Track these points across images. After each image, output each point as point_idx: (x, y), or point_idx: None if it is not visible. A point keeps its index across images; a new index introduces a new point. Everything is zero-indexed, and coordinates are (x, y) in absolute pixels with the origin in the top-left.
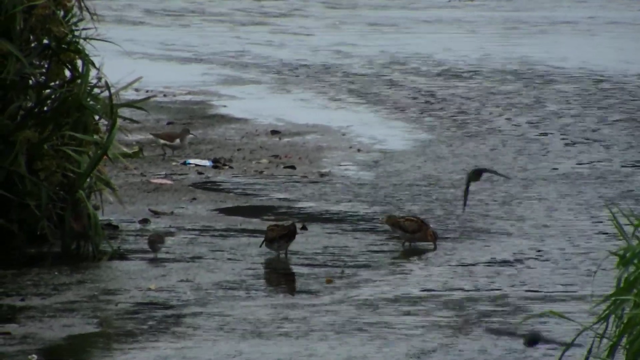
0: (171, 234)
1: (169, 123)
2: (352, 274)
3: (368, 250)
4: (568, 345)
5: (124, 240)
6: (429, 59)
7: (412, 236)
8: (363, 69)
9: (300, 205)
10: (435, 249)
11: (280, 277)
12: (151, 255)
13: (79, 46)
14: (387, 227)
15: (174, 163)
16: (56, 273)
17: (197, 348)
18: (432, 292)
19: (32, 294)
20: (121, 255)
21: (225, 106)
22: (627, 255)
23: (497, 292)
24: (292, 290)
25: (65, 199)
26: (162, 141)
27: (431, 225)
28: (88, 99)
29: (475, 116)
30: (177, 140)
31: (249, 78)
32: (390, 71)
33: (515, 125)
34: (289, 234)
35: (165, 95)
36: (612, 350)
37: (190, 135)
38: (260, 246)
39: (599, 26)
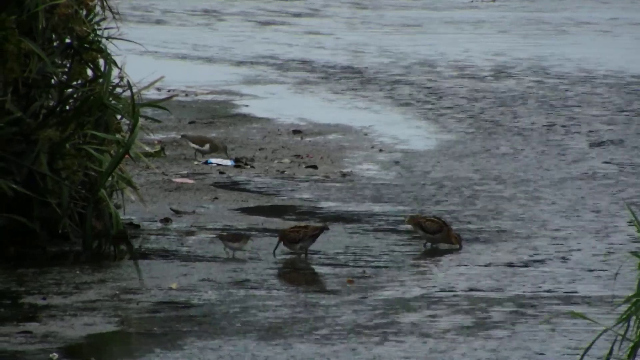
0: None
1: (190, 122)
2: (373, 274)
3: (390, 251)
4: (589, 346)
5: (145, 240)
6: (451, 59)
7: (433, 237)
8: (385, 69)
9: (322, 205)
10: (460, 248)
11: (301, 277)
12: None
13: (101, 45)
14: (408, 227)
15: (195, 162)
16: (77, 272)
17: (218, 347)
18: (453, 293)
19: (54, 292)
20: (142, 254)
21: (247, 106)
22: None
23: (518, 293)
24: (313, 290)
25: (87, 198)
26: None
27: (453, 227)
28: (110, 98)
29: (498, 116)
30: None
31: (270, 78)
32: (412, 71)
33: (537, 125)
34: (319, 234)
35: (187, 95)
36: (634, 351)
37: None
38: (274, 254)
39: (621, 27)
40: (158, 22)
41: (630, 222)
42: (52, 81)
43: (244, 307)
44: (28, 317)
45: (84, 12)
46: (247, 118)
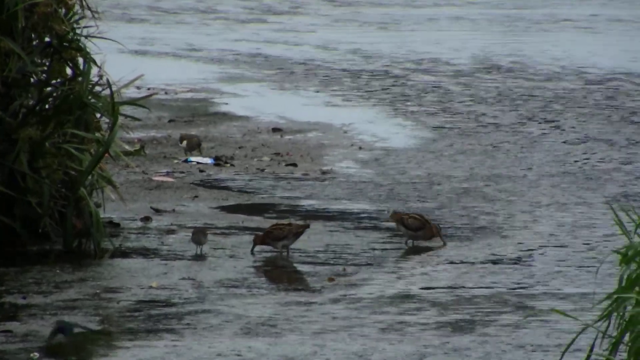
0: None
1: (170, 121)
2: (353, 271)
3: (370, 248)
4: (570, 342)
5: (125, 238)
6: (431, 57)
7: (415, 234)
8: (364, 66)
9: (302, 202)
10: (444, 244)
11: (282, 275)
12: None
13: (80, 44)
14: (389, 224)
15: (175, 161)
16: (58, 271)
17: (198, 346)
18: (434, 290)
19: (34, 291)
20: (123, 253)
21: (226, 104)
22: (630, 253)
23: (500, 290)
24: (293, 288)
25: (67, 197)
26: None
27: (433, 222)
28: (89, 97)
29: (477, 113)
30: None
31: (250, 76)
32: (391, 69)
33: (516, 123)
34: (303, 233)
35: (166, 93)
36: (615, 348)
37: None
38: (252, 253)
39: (601, 24)
40: (137, 20)
41: (611, 218)
42: (32, 80)
43: (224, 305)
44: (9, 316)
45: (64, 11)
46: (226, 116)
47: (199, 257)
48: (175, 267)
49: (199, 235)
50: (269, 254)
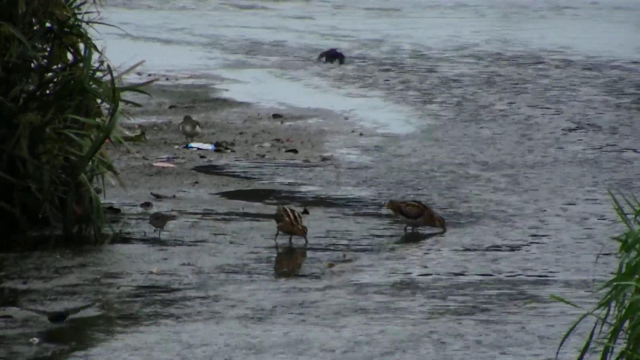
0: (173, 217)
1: (171, 107)
2: (353, 258)
3: (370, 235)
4: (570, 329)
5: (125, 224)
6: (432, 43)
7: (414, 221)
8: (365, 53)
9: (302, 189)
10: (444, 231)
11: (282, 261)
12: (154, 235)
13: (81, 29)
14: (388, 211)
15: (176, 146)
16: (58, 256)
17: (198, 331)
18: (433, 277)
19: (34, 277)
20: (123, 239)
21: (227, 90)
22: (629, 240)
23: (499, 277)
24: (294, 274)
25: (68, 182)
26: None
27: (434, 210)
28: (90, 83)
29: (478, 100)
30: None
31: (251, 62)
32: (392, 55)
33: (517, 109)
34: None
35: (167, 79)
36: (614, 335)
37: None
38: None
39: (602, 11)
40: (139, 6)
41: (611, 206)
42: (33, 65)
43: (224, 291)
44: (8, 301)
45: None
46: (227, 102)
47: (157, 240)
48: (175, 253)
49: (159, 219)
50: (268, 240)
